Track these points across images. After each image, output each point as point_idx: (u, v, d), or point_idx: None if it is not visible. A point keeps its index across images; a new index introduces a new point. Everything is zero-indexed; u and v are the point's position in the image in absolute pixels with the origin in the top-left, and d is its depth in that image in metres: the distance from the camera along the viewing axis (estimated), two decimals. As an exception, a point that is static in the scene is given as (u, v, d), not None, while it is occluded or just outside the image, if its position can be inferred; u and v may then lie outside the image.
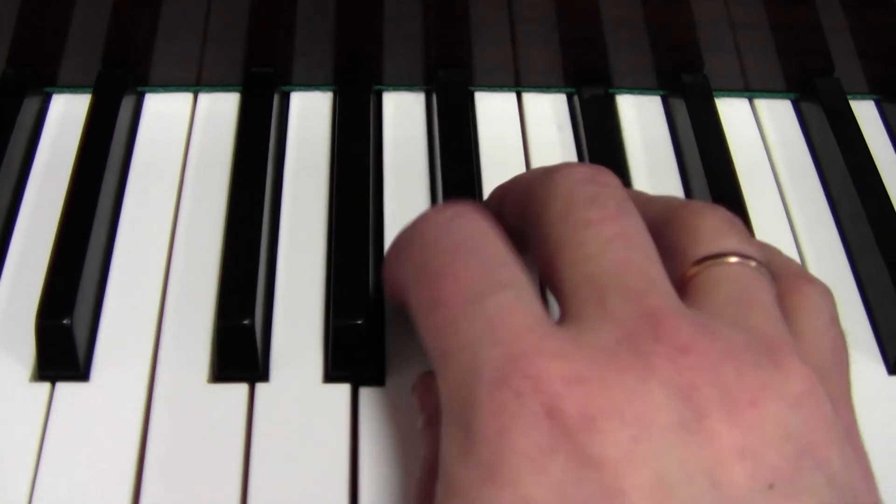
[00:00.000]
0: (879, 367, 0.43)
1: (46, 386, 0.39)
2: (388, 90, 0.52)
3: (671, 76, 0.53)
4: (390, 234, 0.45)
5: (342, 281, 0.41)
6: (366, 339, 0.40)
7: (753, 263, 0.33)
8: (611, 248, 0.31)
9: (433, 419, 0.34)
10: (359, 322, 0.39)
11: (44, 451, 0.37)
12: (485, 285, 0.30)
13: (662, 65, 0.53)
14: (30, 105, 0.50)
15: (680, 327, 0.29)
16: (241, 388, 0.39)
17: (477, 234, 0.33)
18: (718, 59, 0.53)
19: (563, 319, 0.31)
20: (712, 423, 0.27)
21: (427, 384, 0.36)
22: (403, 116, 0.51)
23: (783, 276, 0.35)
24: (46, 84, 0.51)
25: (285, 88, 0.52)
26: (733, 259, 0.33)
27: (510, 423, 0.27)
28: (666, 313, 0.29)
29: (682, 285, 0.33)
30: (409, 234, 0.34)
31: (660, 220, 0.35)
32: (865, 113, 0.53)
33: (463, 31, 0.51)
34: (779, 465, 0.27)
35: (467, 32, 0.51)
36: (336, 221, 0.44)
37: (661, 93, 0.54)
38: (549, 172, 0.35)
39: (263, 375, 0.40)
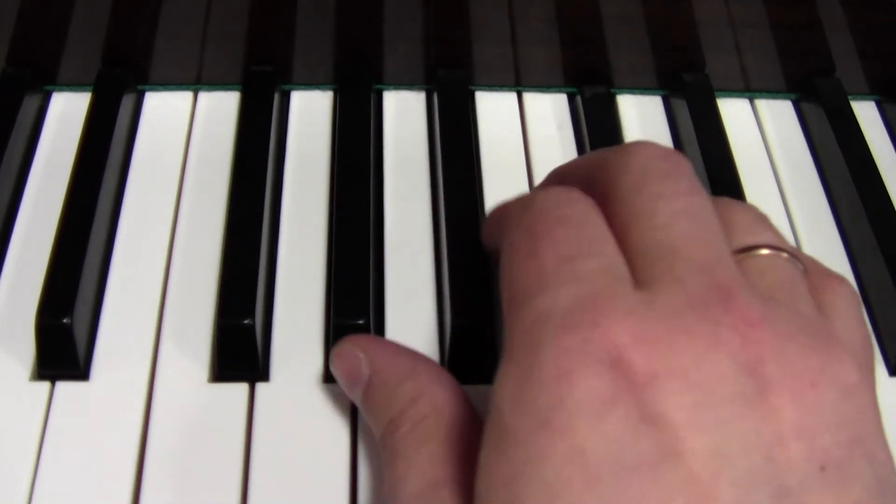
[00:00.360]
0: (880, 369, 0.43)
1: (46, 385, 0.39)
2: (388, 89, 0.52)
3: (672, 76, 0.53)
4: (391, 234, 0.45)
5: (343, 280, 0.41)
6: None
7: (786, 255, 0.33)
8: (681, 220, 0.32)
9: (371, 390, 0.35)
10: (360, 322, 0.39)
11: (43, 450, 0.37)
12: (581, 250, 0.31)
13: (663, 64, 0.53)
14: (30, 103, 0.50)
15: (750, 302, 0.29)
16: (241, 388, 0.39)
17: (585, 213, 0.33)
18: (719, 58, 0.53)
19: (634, 285, 0.31)
20: (774, 400, 0.27)
21: (348, 351, 0.37)
22: (404, 115, 0.51)
23: (813, 272, 0.35)
24: (46, 82, 0.51)
25: (285, 87, 0.52)
26: (767, 252, 0.33)
27: (573, 369, 0.27)
28: (735, 287, 0.29)
29: None
30: (529, 198, 0.35)
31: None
32: (866, 113, 0.54)
33: (463, 30, 0.51)
34: (832, 450, 0.27)
35: (468, 31, 0.51)
36: (336, 221, 0.44)
37: (662, 93, 0.53)
38: (624, 147, 0.35)
39: (264, 375, 0.40)
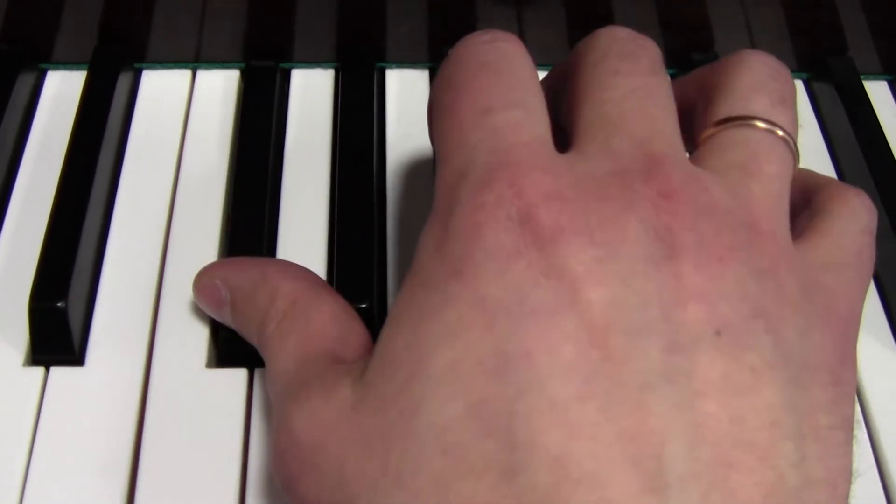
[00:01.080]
0: (893, 354, 0.42)
1: (40, 371, 0.39)
2: (391, 67, 0.51)
3: (681, 56, 0.52)
4: (394, 213, 0.45)
5: (345, 262, 0.41)
6: (370, 322, 0.39)
7: (779, 132, 0.33)
8: (633, 97, 0.32)
9: (235, 307, 0.37)
10: (363, 305, 0.39)
11: (38, 436, 0.37)
12: (499, 101, 0.32)
13: (672, 44, 0.52)
14: (24, 82, 0.49)
15: (671, 174, 0.30)
16: (239, 374, 0.39)
17: (509, 57, 0.34)
18: (729, 37, 0.52)
19: (569, 148, 0.32)
20: (678, 265, 0.28)
21: (204, 282, 0.38)
22: (407, 93, 0.50)
23: (832, 182, 0.36)
24: (41, 60, 0.50)
25: (286, 65, 0.51)
26: (757, 123, 0.33)
27: (484, 222, 0.29)
28: (663, 158, 0.30)
29: (700, 143, 0.34)
30: (452, 51, 0.35)
31: (710, 67, 0.36)
32: (879, 93, 0.53)
33: (467, 6, 0.50)
34: (730, 318, 0.28)
35: (472, 8, 0.50)
36: (339, 200, 0.43)
37: (671, 71, 0.53)
38: (596, 31, 0.36)
39: (263, 360, 0.39)
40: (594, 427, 0.26)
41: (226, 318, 0.38)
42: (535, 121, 0.32)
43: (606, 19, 0.51)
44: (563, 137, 0.33)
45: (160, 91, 0.50)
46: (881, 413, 0.40)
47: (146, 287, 0.41)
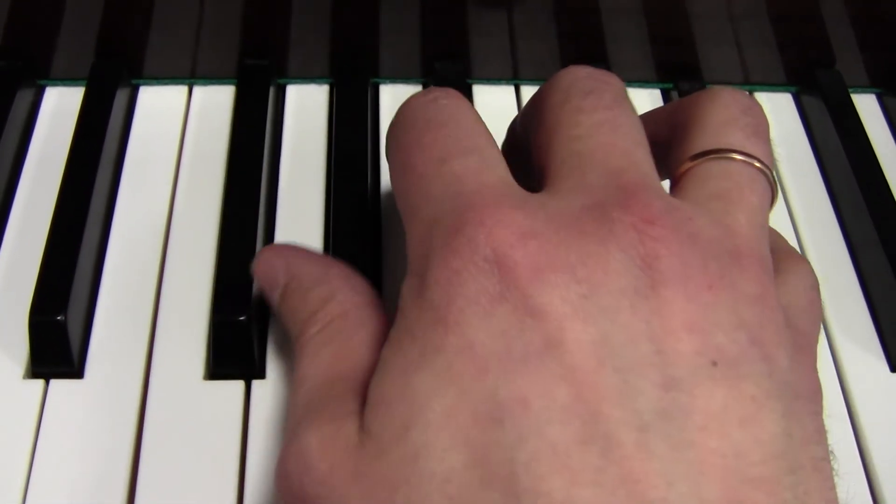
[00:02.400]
0: (881, 364, 0.43)
1: (40, 383, 0.39)
2: (385, 82, 0.52)
3: (671, 69, 0.52)
4: (388, 228, 0.45)
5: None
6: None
7: (757, 164, 0.33)
8: (600, 131, 0.32)
9: (287, 294, 0.36)
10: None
11: (38, 449, 0.37)
12: (453, 149, 0.32)
13: (661, 58, 0.52)
14: (23, 98, 0.49)
15: (651, 201, 0.29)
16: (236, 386, 0.39)
17: (453, 109, 0.34)
18: (717, 51, 0.52)
19: (541, 191, 0.32)
20: (668, 293, 0.28)
21: (267, 259, 0.38)
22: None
23: (779, 248, 0.35)
24: (39, 76, 0.51)
25: (281, 81, 0.51)
26: (735, 156, 0.33)
27: (461, 268, 0.28)
28: (640, 187, 0.30)
29: (679, 179, 0.33)
30: (396, 115, 0.35)
31: (680, 103, 0.36)
32: (867, 106, 0.53)
33: (460, 22, 0.50)
34: (726, 347, 0.27)
35: (465, 24, 0.50)
36: (333, 215, 0.44)
37: (660, 86, 0.53)
38: (556, 74, 0.36)
39: (260, 372, 0.39)
40: (597, 473, 0.25)
41: (273, 302, 0.37)
42: (493, 164, 0.32)
43: (596, 33, 0.51)
44: (532, 188, 0.33)
45: (157, 106, 0.50)
46: (869, 422, 0.40)
47: (144, 300, 0.42)
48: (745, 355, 0.28)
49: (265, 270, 0.38)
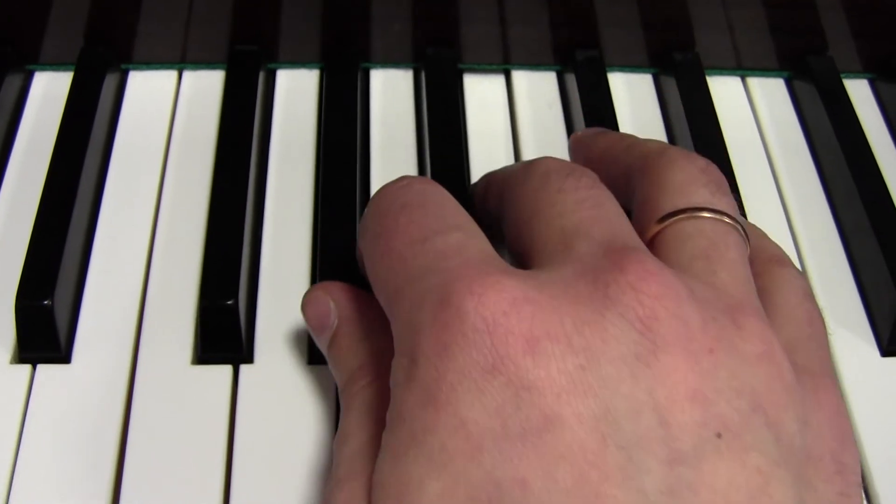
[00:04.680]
0: (872, 349, 0.43)
1: (27, 368, 0.39)
2: (375, 67, 0.52)
3: (662, 54, 0.52)
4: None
5: (328, 261, 0.41)
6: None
7: (727, 219, 0.33)
8: (583, 206, 0.32)
9: (337, 339, 0.35)
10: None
11: (24, 434, 0.37)
12: (432, 228, 0.31)
13: (654, 43, 0.52)
14: (11, 83, 0.49)
15: (646, 260, 0.28)
16: (224, 370, 0.39)
17: (427, 193, 0.33)
18: (710, 36, 0.52)
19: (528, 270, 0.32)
20: (669, 359, 0.27)
21: (319, 298, 0.36)
22: (391, 94, 0.51)
23: (758, 257, 0.35)
24: (28, 61, 0.51)
25: (271, 66, 0.51)
26: (704, 214, 0.33)
27: (451, 342, 0.27)
28: (632, 250, 0.29)
29: (650, 243, 0.33)
30: (370, 206, 0.35)
31: (638, 169, 0.35)
32: (859, 92, 0.53)
33: (451, 7, 0.50)
34: (729, 416, 0.27)
35: (456, 9, 0.50)
36: (322, 201, 0.44)
37: (652, 71, 0.53)
38: (528, 161, 0.35)
39: (248, 357, 0.39)
40: None
41: (321, 343, 0.36)
42: (476, 240, 0.31)
43: (589, 18, 0.51)
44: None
45: (146, 91, 0.50)
46: (861, 407, 0.40)
47: (132, 285, 0.41)
48: (749, 424, 0.27)
49: (316, 311, 0.36)
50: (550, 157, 0.35)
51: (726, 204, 0.33)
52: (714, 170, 0.35)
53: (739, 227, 0.33)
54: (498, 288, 0.27)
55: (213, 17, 0.50)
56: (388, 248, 0.31)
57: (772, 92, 0.53)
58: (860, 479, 0.30)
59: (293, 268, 0.42)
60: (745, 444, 0.26)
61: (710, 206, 0.33)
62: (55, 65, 0.51)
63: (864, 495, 0.38)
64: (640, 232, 0.33)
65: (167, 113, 0.49)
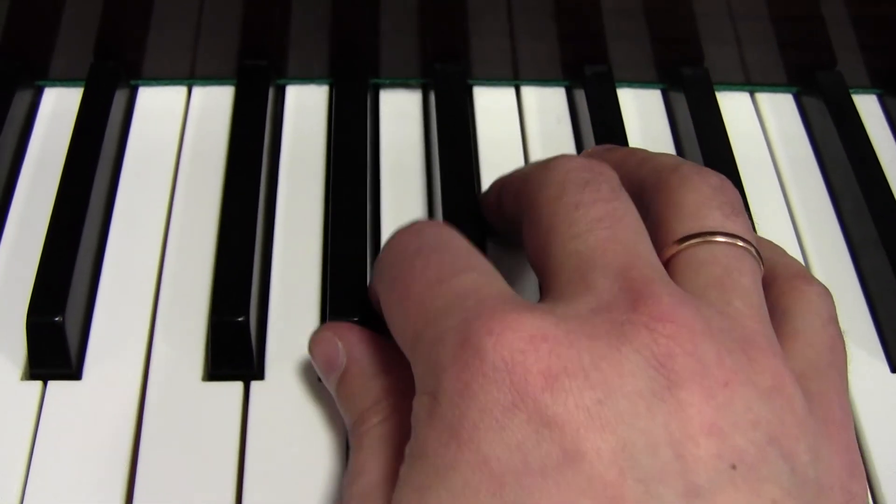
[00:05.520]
0: (882, 365, 0.43)
1: (38, 385, 0.39)
2: (385, 83, 0.52)
3: (671, 69, 0.52)
4: (387, 230, 0.45)
5: (338, 277, 0.41)
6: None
7: (740, 243, 0.33)
8: (599, 226, 0.32)
9: (347, 379, 0.35)
10: (355, 319, 0.39)
11: (35, 450, 0.37)
12: (449, 270, 0.31)
13: (662, 58, 0.52)
14: (21, 98, 0.49)
15: (661, 296, 0.29)
16: (235, 387, 0.39)
17: (442, 235, 0.34)
18: (719, 52, 0.52)
19: (544, 298, 0.32)
20: (684, 394, 0.27)
21: (327, 339, 0.36)
22: (401, 110, 0.51)
23: (782, 275, 0.35)
24: (38, 77, 0.51)
25: (280, 81, 0.51)
26: (718, 238, 0.33)
27: (472, 381, 0.27)
28: (647, 283, 0.29)
29: (665, 265, 0.33)
30: (384, 252, 0.35)
31: (651, 186, 0.35)
32: (867, 107, 0.53)
33: (460, 23, 0.50)
34: (744, 449, 0.27)
35: (465, 24, 0.50)
36: (332, 217, 0.44)
37: (661, 86, 0.53)
38: (546, 161, 0.35)
39: (259, 373, 0.39)
40: None
41: (330, 383, 0.36)
42: (492, 280, 0.31)
43: (598, 33, 0.51)
44: None
45: (156, 107, 0.50)
46: (870, 423, 0.40)
47: (143, 301, 0.41)
48: (764, 456, 0.27)
49: (324, 351, 0.36)
50: (568, 158, 0.35)
51: (740, 225, 0.33)
52: (728, 188, 0.35)
53: (753, 250, 0.33)
54: (515, 326, 0.28)
55: (222, 33, 0.50)
56: (406, 293, 0.32)
57: (780, 107, 0.53)
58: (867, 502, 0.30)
59: (304, 284, 0.42)
60: (760, 475, 0.27)
61: (723, 230, 0.33)
62: (65, 80, 0.51)
63: (874, 512, 0.38)
64: (657, 252, 0.33)
65: (177, 129, 0.49)
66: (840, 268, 0.46)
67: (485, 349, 0.27)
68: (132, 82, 0.51)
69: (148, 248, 0.43)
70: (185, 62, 0.51)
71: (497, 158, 0.48)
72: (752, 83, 0.54)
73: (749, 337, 0.29)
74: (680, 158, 0.37)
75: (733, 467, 0.26)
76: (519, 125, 0.51)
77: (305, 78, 0.51)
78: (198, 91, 0.51)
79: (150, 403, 0.38)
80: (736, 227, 0.33)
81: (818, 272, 0.45)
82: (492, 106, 0.51)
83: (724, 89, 0.53)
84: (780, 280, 0.34)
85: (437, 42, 0.51)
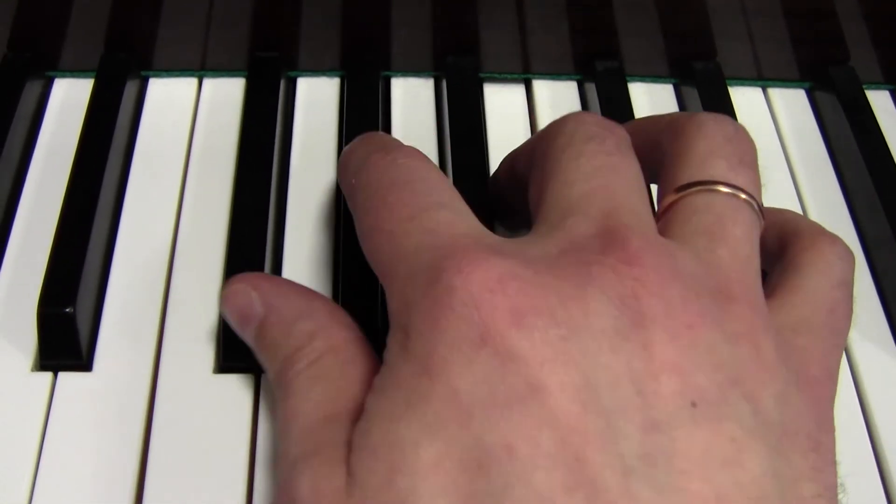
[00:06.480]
0: (894, 361, 0.42)
1: (48, 376, 0.38)
2: (396, 76, 0.52)
3: (683, 64, 0.52)
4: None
5: (350, 269, 0.41)
6: (375, 326, 0.39)
7: (742, 195, 0.33)
8: (596, 175, 0.33)
9: (266, 329, 0.35)
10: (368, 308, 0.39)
11: (46, 442, 0.37)
12: (420, 206, 0.32)
13: (674, 52, 0.52)
14: (31, 89, 0.49)
15: (630, 240, 0.30)
16: (246, 379, 0.39)
17: (415, 167, 0.34)
18: (731, 46, 0.52)
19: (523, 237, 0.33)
20: (648, 334, 0.28)
21: (239, 290, 0.36)
22: (412, 102, 0.50)
23: (806, 231, 0.36)
24: (48, 68, 0.50)
25: (292, 74, 0.51)
26: (719, 188, 0.33)
27: (441, 317, 0.28)
28: (622, 229, 0.30)
29: (664, 212, 0.34)
30: (357, 180, 0.36)
31: (667, 136, 0.36)
32: (881, 103, 0.53)
33: (472, 16, 0.50)
34: (705, 388, 0.28)
35: (476, 17, 0.50)
36: (344, 209, 0.43)
37: (673, 81, 0.53)
38: (563, 117, 0.36)
39: (270, 366, 0.39)
40: None
41: (247, 335, 0.36)
42: (463, 216, 0.32)
43: (610, 27, 0.51)
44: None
45: (166, 98, 0.50)
46: (884, 422, 0.40)
47: (153, 293, 0.41)
48: (725, 396, 0.28)
49: (238, 302, 0.36)
50: (583, 113, 0.36)
51: (745, 178, 0.34)
52: (741, 138, 0.35)
53: (755, 203, 0.33)
54: (485, 266, 0.29)
55: (233, 25, 0.50)
56: (378, 226, 0.33)
57: (793, 102, 0.53)
58: (835, 458, 0.30)
59: (315, 276, 0.42)
60: (720, 413, 0.27)
61: (726, 181, 0.33)
62: (75, 71, 0.50)
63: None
64: (659, 199, 0.34)
65: (187, 120, 0.49)
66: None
67: (454, 287, 0.28)
68: (143, 73, 0.51)
69: (158, 239, 0.43)
70: (196, 54, 0.50)
71: (508, 151, 0.48)
72: (764, 78, 0.53)
73: (724, 285, 0.30)
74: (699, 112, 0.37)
75: (693, 405, 0.27)
76: (529, 119, 0.50)
77: (317, 70, 0.51)
78: (208, 83, 0.51)
79: (161, 396, 0.38)
80: (740, 178, 0.33)
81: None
82: (503, 100, 0.51)
83: (736, 84, 0.53)
84: (803, 235, 0.35)
85: (448, 35, 0.51)
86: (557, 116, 0.50)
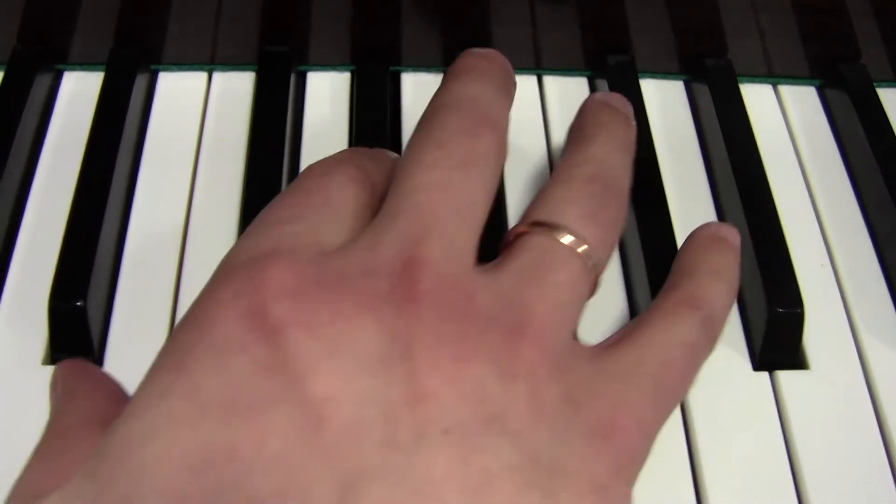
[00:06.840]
0: (902, 363, 0.42)
1: (59, 369, 0.38)
2: (406, 70, 0.51)
3: (694, 60, 0.52)
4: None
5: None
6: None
7: (581, 248, 0.33)
8: (425, 191, 0.32)
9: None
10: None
11: (57, 436, 0.36)
12: (292, 215, 0.32)
13: (685, 49, 0.52)
14: (41, 82, 0.49)
15: (422, 279, 0.29)
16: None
17: (317, 185, 0.34)
18: (742, 43, 0.52)
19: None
20: (411, 365, 0.28)
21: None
22: (422, 97, 0.50)
23: (675, 289, 0.36)
24: (58, 61, 0.50)
25: (302, 68, 0.51)
26: (561, 235, 0.33)
27: (216, 316, 0.28)
28: (422, 262, 0.30)
29: (511, 240, 0.33)
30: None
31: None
32: (892, 100, 0.52)
33: (482, 11, 0.50)
34: (463, 419, 0.27)
35: (486, 12, 0.50)
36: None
37: (684, 77, 0.53)
38: (443, 91, 0.37)
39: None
40: None
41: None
42: (308, 235, 0.31)
43: (621, 24, 0.51)
44: None
45: (176, 92, 0.50)
46: (895, 417, 0.40)
47: (164, 287, 0.41)
48: (487, 429, 0.27)
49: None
50: (459, 117, 0.35)
51: (592, 232, 0.33)
52: (611, 194, 0.36)
53: (592, 259, 0.33)
54: (275, 277, 0.29)
55: (243, 18, 0.50)
56: (265, 213, 0.33)
57: (804, 99, 0.53)
58: None
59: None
60: (475, 445, 0.27)
61: (570, 230, 0.33)
62: (84, 65, 0.50)
63: None
64: (514, 226, 0.34)
65: (197, 114, 0.49)
66: (864, 262, 0.46)
67: (240, 292, 0.29)
68: (153, 67, 0.51)
69: (169, 233, 0.43)
70: (206, 47, 0.50)
71: (519, 147, 0.48)
72: (775, 75, 0.53)
73: (519, 325, 0.30)
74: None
75: (445, 432, 0.27)
76: (541, 114, 0.50)
77: (327, 64, 0.51)
78: (218, 76, 0.51)
79: (173, 390, 0.38)
80: (586, 231, 0.33)
81: (841, 265, 0.45)
82: (514, 95, 0.51)
83: (747, 81, 0.53)
84: (669, 295, 0.35)
85: (459, 30, 0.51)
86: (568, 112, 0.50)
